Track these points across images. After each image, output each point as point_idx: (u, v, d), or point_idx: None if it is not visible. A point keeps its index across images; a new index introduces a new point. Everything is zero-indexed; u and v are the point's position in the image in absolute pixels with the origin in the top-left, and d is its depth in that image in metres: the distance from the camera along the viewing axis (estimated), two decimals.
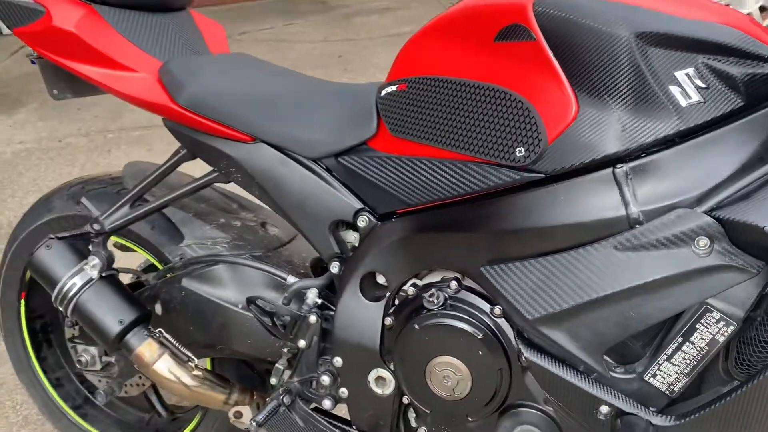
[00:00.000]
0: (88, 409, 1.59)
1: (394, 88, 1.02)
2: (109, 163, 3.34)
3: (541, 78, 0.85)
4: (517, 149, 0.86)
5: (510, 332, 0.95)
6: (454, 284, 0.98)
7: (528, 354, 0.91)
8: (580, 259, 0.84)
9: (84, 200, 1.24)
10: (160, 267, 1.34)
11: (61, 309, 1.19)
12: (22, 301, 1.51)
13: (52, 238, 1.19)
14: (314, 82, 1.22)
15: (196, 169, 1.25)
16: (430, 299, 0.98)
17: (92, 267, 1.18)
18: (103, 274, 1.19)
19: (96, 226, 1.18)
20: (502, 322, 0.96)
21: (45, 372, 1.57)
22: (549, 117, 0.84)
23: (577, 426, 0.91)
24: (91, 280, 1.18)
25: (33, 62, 1.25)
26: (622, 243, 0.82)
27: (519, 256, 0.89)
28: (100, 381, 1.47)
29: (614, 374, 0.88)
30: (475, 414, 1.00)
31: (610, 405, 0.87)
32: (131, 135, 3.62)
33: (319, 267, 1.30)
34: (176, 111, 1.11)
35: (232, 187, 1.26)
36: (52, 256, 1.18)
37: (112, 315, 1.17)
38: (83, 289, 1.17)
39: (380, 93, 1.05)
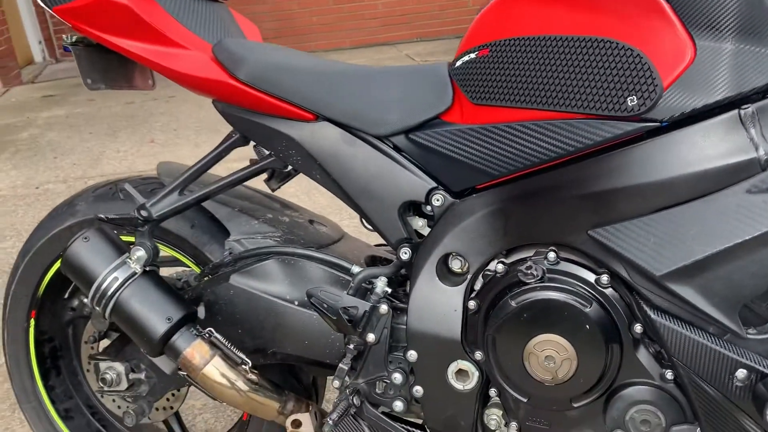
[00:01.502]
0: None
1: (473, 55, 0.97)
2: None
3: (649, 23, 0.82)
4: (628, 99, 0.82)
5: (619, 303, 0.88)
6: (552, 255, 0.91)
7: (654, 316, 0.83)
8: (709, 207, 0.79)
9: (127, 186, 1.13)
10: (196, 270, 1.23)
11: (97, 309, 1.07)
12: (32, 321, 1.36)
13: (89, 229, 1.08)
14: (376, 67, 1.18)
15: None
16: (528, 272, 0.90)
17: (136, 260, 1.06)
18: (147, 269, 1.08)
19: (143, 213, 1.08)
20: (609, 292, 0.89)
21: (53, 402, 1.40)
22: (663, 62, 0.80)
23: (704, 399, 0.83)
24: (134, 274, 1.06)
25: (66, 49, 1.17)
26: (757, 186, 0.77)
27: (636, 213, 0.83)
28: (119, 407, 1.32)
29: (749, 335, 0.81)
30: (581, 398, 0.91)
31: (749, 368, 0.80)
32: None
33: (372, 265, 1.21)
34: (235, 87, 1.04)
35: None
36: (89, 249, 1.06)
37: (157, 312, 1.05)
38: (125, 285, 1.05)
39: (455, 64, 1.00)
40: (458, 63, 0.99)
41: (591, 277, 0.89)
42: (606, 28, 0.84)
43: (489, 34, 0.95)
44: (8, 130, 4.61)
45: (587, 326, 0.88)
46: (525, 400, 0.94)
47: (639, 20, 0.82)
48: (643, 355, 0.88)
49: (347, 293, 1.04)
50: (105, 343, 1.31)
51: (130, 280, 1.05)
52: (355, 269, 1.07)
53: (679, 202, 0.81)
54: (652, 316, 0.84)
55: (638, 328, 0.87)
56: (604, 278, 0.88)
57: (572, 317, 0.89)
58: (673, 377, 0.86)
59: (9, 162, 3.91)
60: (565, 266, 0.91)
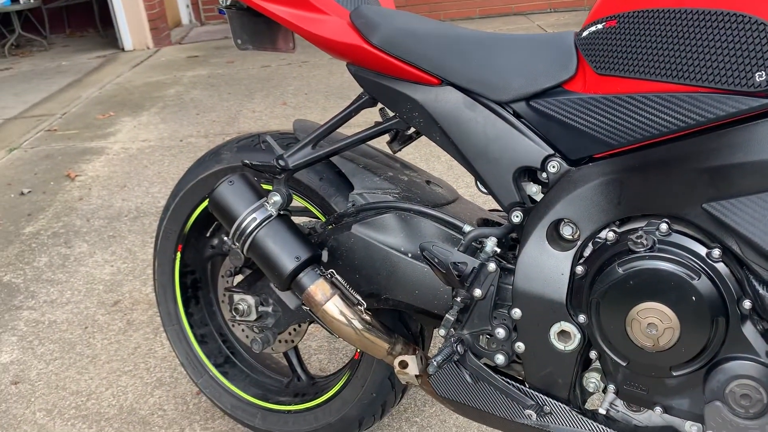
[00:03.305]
0: (229, 368, 1.60)
1: (600, 26, 0.99)
2: None
3: None
4: (756, 74, 0.81)
5: (729, 277, 0.89)
6: (664, 227, 0.93)
7: (764, 293, 0.83)
8: None
9: (268, 138, 1.26)
10: (322, 219, 1.34)
11: (236, 245, 1.21)
12: (178, 254, 1.55)
13: (234, 174, 1.22)
14: (502, 34, 1.22)
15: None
16: (638, 241, 0.93)
17: (272, 204, 1.19)
18: (281, 212, 1.20)
19: (281, 162, 1.20)
20: (720, 266, 0.89)
21: (191, 327, 1.59)
22: None
23: None
24: (270, 216, 1.19)
25: (221, 12, 1.30)
26: None
27: (754, 189, 0.83)
28: (247, 336, 1.47)
29: None
30: (681, 367, 0.93)
31: None
32: None
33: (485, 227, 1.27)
34: (368, 51, 1.12)
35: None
36: (233, 192, 1.20)
37: (288, 252, 1.17)
38: (262, 225, 1.18)
39: (581, 34, 1.02)
40: (585, 33, 1.01)
41: (702, 250, 0.90)
42: (740, 2, 0.83)
43: (618, 6, 0.96)
44: (158, 87, 5.03)
45: (693, 298, 0.89)
46: (624, 364, 0.97)
47: None
48: (750, 331, 0.88)
49: (458, 250, 1.10)
50: (239, 278, 1.46)
51: (266, 221, 1.18)
52: (467, 228, 1.13)
53: None
54: (762, 292, 0.84)
55: (747, 304, 0.87)
56: (716, 252, 0.89)
57: (679, 288, 0.90)
58: None
59: (158, 116, 4.29)
60: (676, 238, 0.92)
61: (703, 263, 0.89)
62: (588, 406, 1.10)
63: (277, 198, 1.19)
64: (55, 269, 2.50)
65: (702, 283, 0.88)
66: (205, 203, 1.44)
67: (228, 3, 1.30)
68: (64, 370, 1.93)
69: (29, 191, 3.26)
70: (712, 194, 0.87)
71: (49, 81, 5.54)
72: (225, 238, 1.45)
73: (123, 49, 6.46)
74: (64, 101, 4.85)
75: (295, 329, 1.42)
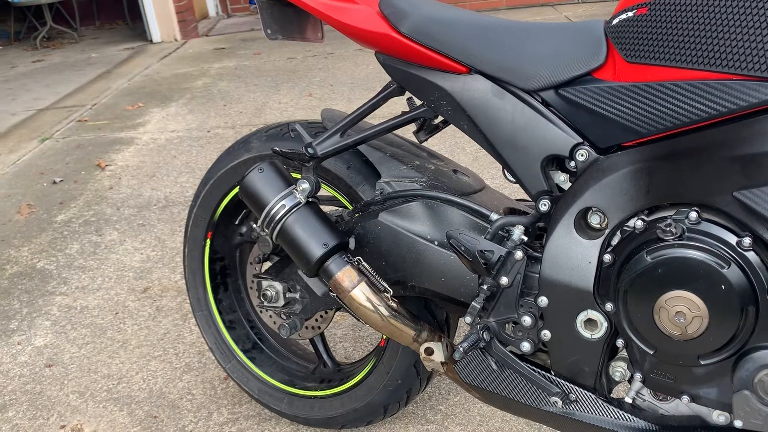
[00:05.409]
0: (256, 353, 1.63)
1: (630, 14, 0.99)
2: None
3: None
4: None
5: (760, 266, 0.88)
6: (693, 215, 0.92)
7: None
8: None
9: (297, 126, 1.28)
10: (349, 207, 1.35)
11: (266, 231, 1.23)
12: (208, 241, 1.57)
13: (264, 162, 1.23)
14: (531, 22, 1.21)
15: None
16: (667, 229, 0.92)
17: (301, 191, 1.21)
18: (309, 200, 1.22)
19: (310, 150, 1.22)
20: (751, 255, 0.88)
21: (220, 313, 1.62)
22: None
23: None
24: (299, 203, 1.21)
25: (252, 2, 1.32)
26: None
27: None
28: (275, 322, 1.49)
29: None
30: (709, 356, 0.93)
31: None
32: None
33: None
34: (397, 40, 1.13)
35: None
36: (263, 179, 1.22)
37: (316, 239, 1.19)
38: (291, 212, 1.20)
39: (611, 22, 1.02)
40: (615, 21, 1.01)
41: (732, 238, 0.89)
42: None
43: None
44: (186, 79, 5.09)
45: (723, 287, 0.89)
46: (651, 353, 0.97)
47: None
48: None
49: (485, 238, 1.11)
50: (267, 265, 1.48)
51: (295, 208, 1.20)
52: (494, 217, 1.14)
53: None
54: None
55: None
56: (746, 241, 0.88)
57: (708, 276, 0.90)
58: None
59: (186, 107, 4.34)
60: (706, 226, 0.92)
61: (733, 252, 0.89)
62: (614, 395, 1.10)
63: (305, 185, 1.21)
64: (87, 256, 2.56)
65: (732, 272, 0.88)
66: (235, 191, 1.47)
67: None
68: (95, 354, 1.98)
69: (61, 180, 3.33)
70: (743, 182, 0.86)
71: (79, 72, 5.63)
72: (254, 226, 1.47)
73: (151, 41, 6.54)
74: (94, 92, 4.93)
75: (321, 316, 1.44)
